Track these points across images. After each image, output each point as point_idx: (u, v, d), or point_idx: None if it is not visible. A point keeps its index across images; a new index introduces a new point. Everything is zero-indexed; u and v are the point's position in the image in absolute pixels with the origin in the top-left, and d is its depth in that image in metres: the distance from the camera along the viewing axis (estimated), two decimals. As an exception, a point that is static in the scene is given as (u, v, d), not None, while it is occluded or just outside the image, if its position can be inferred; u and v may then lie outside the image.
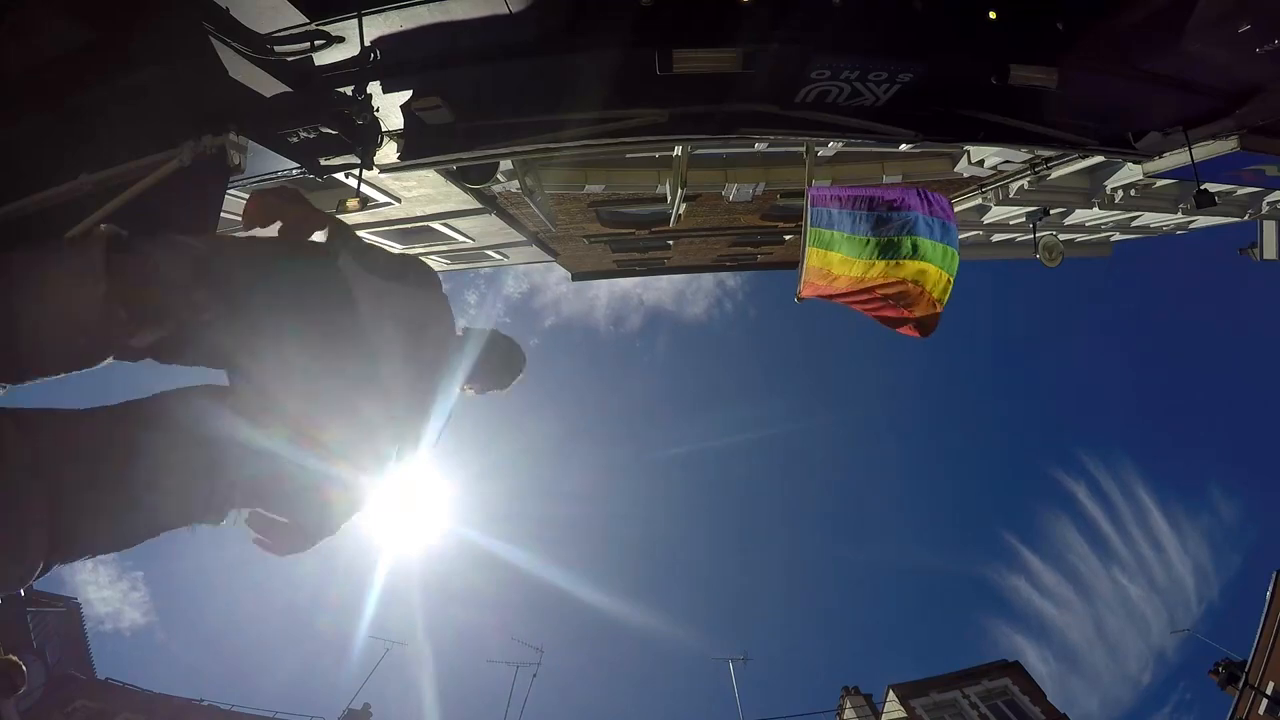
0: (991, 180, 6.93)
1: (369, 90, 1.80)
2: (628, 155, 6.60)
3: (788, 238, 9.38)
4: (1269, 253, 10.19)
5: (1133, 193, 7.15)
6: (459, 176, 5.43)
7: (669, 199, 7.34)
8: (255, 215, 1.39)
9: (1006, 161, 6.35)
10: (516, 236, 8.07)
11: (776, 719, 18.01)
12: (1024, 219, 7.82)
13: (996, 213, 7.90)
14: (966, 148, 6.11)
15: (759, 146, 6.26)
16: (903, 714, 11.16)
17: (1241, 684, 10.77)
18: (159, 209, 1.60)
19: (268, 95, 1.74)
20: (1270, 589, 11.52)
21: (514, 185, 6.24)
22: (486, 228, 7.58)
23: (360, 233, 7.61)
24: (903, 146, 4.66)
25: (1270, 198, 8.14)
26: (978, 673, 11.85)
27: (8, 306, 1.07)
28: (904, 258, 4.53)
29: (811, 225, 4.49)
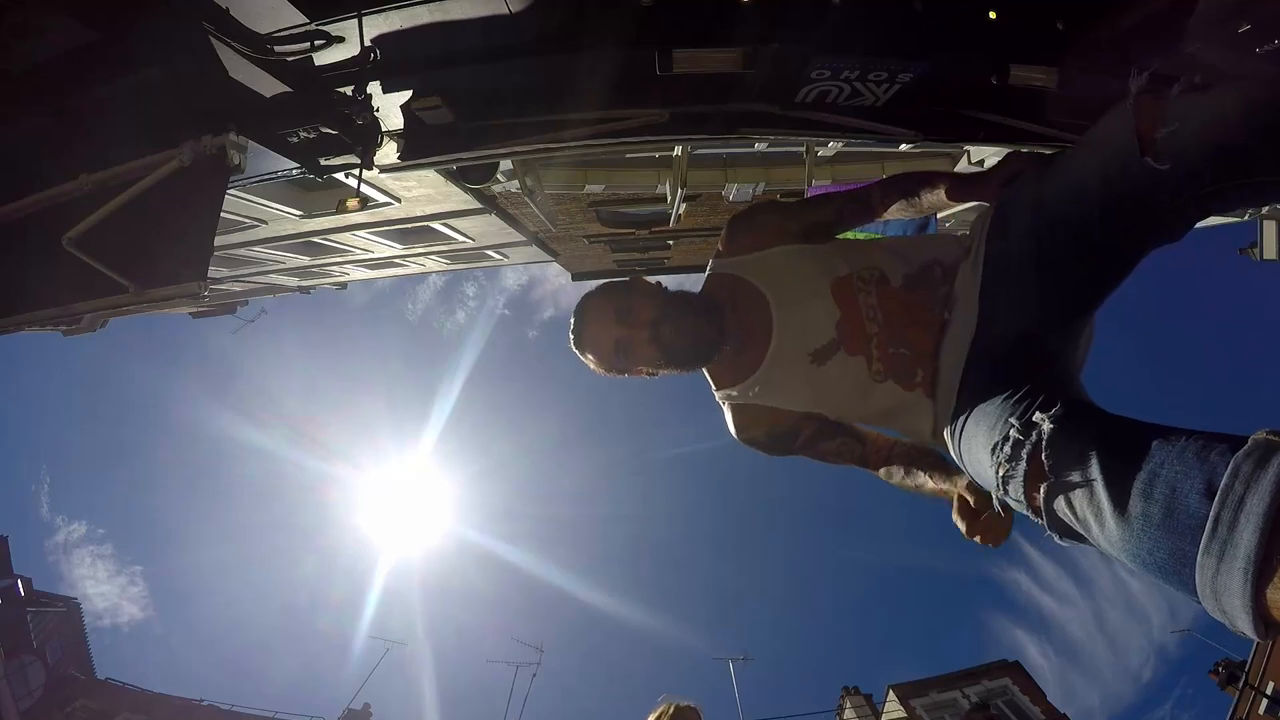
0: (991, 180, 6.91)
1: (369, 90, 1.80)
2: (628, 155, 6.60)
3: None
4: (1269, 253, 10.19)
5: (1133, 193, 7.15)
6: (459, 176, 5.44)
7: (669, 199, 7.35)
8: None
9: (1006, 161, 6.34)
10: (516, 236, 8.07)
11: (776, 719, 18.01)
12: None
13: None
14: (966, 148, 6.11)
15: (759, 146, 6.26)
16: (903, 714, 11.15)
17: (1241, 684, 10.77)
18: (159, 209, 1.60)
19: (268, 95, 1.74)
20: (1270, 589, 11.49)
21: (514, 185, 6.24)
22: (486, 228, 7.59)
23: (360, 232, 7.55)
24: (903, 146, 4.66)
25: (1270, 198, 8.12)
26: (978, 673, 11.84)
27: None
28: None
29: None
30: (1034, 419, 0.79)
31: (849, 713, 11.52)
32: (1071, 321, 1.03)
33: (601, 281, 1.39)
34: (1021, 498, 0.80)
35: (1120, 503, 0.65)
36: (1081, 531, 0.72)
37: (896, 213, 1.34)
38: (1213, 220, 9.00)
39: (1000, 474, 0.83)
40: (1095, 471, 0.69)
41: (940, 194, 1.26)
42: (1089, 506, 0.69)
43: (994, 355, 1.01)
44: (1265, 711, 10.51)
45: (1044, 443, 0.77)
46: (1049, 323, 1.00)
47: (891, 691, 11.66)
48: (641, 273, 1.54)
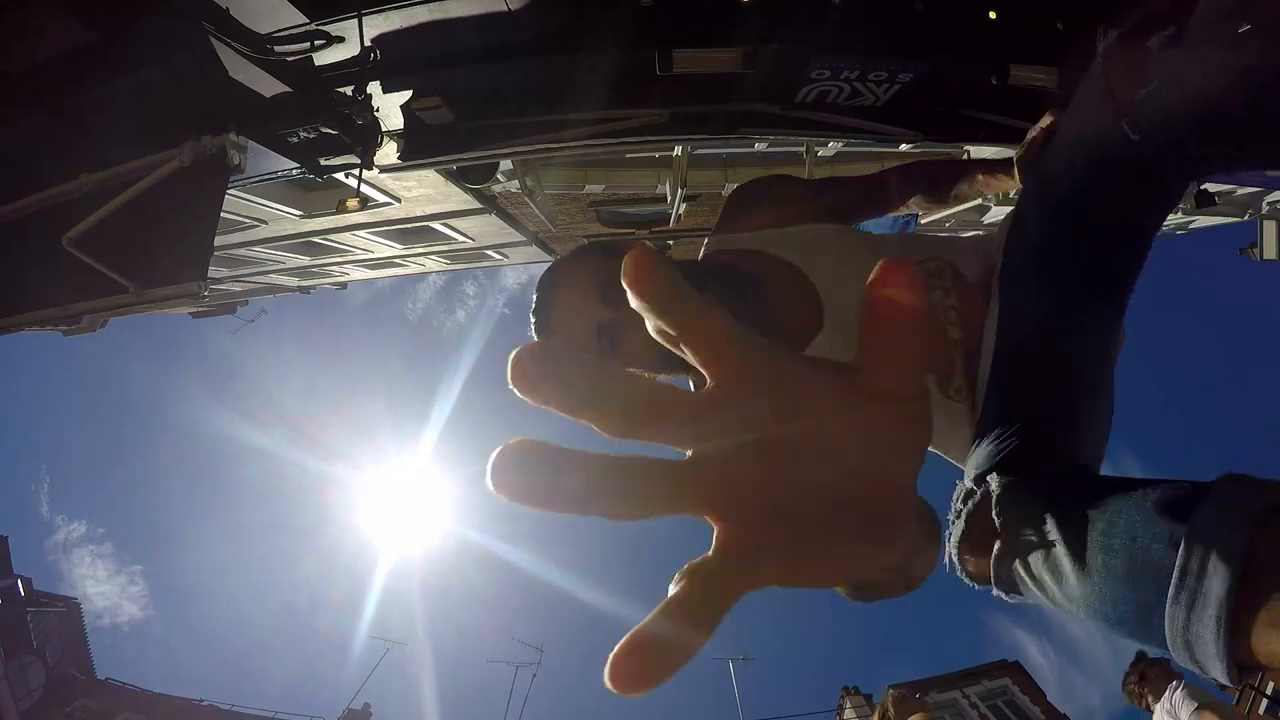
0: (991, 180, 6.92)
1: (369, 90, 1.80)
2: (628, 155, 6.61)
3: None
4: (1269, 253, 10.18)
5: (1133, 193, 7.14)
6: (459, 176, 5.44)
7: (669, 199, 7.35)
8: None
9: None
10: (516, 236, 8.08)
11: (776, 719, 17.99)
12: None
13: (997, 213, 7.90)
14: (966, 148, 6.11)
15: (759, 146, 6.26)
16: (903, 714, 11.16)
17: (1241, 684, 10.77)
18: (159, 209, 1.60)
19: (268, 95, 1.74)
20: (1270, 589, 11.48)
21: (514, 185, 6.24)
22: (486, 228, 7.59)
23: (360, 232, 7.55)
24: (903, 146, 4.67)
25: (1270, 198, 8.13)
26: (978, 672, 11.84)
27: None
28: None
29: None
30: (986, 477, 0.74)
31: (849, 713, 11.52)
32: (1080, 317, 0.94)
33: (580, 244, 1.05)
34: (958, 558, 0.75)
35: (1079, 558, 0.62)
36: (1035, 590, 0.68)
37: (914, 207, 1.27)
38: (1213, 220, 8.99)
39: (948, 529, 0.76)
40: (1051, 529, 0.65)
41: (974, 184, 1.12)
42: (1044, 565, 0.65)
43: (1004, 370, 0.94)
44: (1265, 711, 10.51)
45: (993, 502, 0.72)
46: (1057, 323, 0.92)
47: (891, 691, 11.66)
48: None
